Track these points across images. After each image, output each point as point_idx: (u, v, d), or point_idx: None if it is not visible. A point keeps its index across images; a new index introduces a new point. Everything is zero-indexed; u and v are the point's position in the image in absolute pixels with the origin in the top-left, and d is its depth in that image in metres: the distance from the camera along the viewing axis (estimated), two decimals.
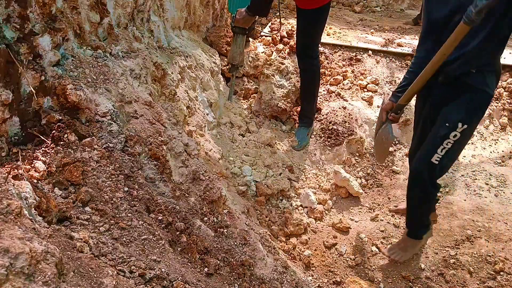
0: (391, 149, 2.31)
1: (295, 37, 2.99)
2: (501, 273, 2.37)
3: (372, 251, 2.55)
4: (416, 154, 2.13)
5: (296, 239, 2.59)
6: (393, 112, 2.16)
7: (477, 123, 1.94)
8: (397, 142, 3.43)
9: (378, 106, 3.51)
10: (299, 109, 3.38)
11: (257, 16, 2.77)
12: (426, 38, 2.00)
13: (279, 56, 3.51)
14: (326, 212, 2.84)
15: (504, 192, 3.00)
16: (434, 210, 2.71)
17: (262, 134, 3.09)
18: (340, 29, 4.38)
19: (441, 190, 3.04)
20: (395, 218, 2.81)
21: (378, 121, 2.41)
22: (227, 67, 3.13)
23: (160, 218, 1.60)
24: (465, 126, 1.86)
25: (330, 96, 3.54)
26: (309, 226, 2.69)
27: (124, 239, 1.37)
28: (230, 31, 3.52)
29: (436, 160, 1.95)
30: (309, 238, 2.61)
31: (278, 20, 4.13)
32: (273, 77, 3.34)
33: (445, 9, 1.80)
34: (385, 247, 2.56)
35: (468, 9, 1.60)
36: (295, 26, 3.89)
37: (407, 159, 3.33)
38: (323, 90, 3.55)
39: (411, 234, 2.44)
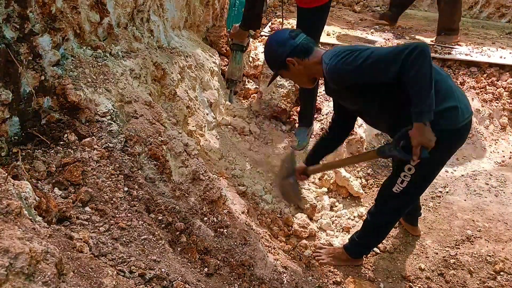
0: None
1: None
2: (501, 273, 2.37)
3: (372, 251, 2.55)
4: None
5: (296, 239, 2.59)
6: (303, 175, 2.26)
7: (439, 157, 1.85)
8: None
9: None
10: (299, 109, 3.38)
11: (250, 30, 2.92)
12: (339, 118, 2.18)
13: None
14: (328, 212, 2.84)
15: (504, 192, 3.00)
16: (417, 225, 2.66)
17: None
18: (340, 29, 4.38)
19: (441, 190, 3.05)
20: None
21: (283, 169, 2.42)
22: (226, 82, 3.25)
23: (160, 218, 1.60)
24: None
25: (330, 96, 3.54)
26: (314, 231, 2.66)
27: (124, 239, 1.37)
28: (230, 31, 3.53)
29: (396, 190, 1.96)
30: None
31: (278, 20, 4.13)
32: None
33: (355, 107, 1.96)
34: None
35: (386, 146, 1.77)
36: (295, 26, 3.90)
37: None
38: (323, 90, 3.55)
39: (350, 250, 2.37)
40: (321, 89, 3.51)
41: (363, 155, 2.50)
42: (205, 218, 1.83)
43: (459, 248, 2.55)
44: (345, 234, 2.69)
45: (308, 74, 1.94)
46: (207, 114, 2.94)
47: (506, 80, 3.62)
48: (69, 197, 1.39)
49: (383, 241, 2.63)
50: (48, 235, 1.07)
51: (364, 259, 2.46)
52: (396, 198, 2.00)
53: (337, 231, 2.71)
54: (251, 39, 3.49)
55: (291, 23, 4.06)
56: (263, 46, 3.65)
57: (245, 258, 1.80)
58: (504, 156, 3.40)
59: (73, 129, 1.56)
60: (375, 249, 2.56)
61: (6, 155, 1.38)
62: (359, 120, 3.34)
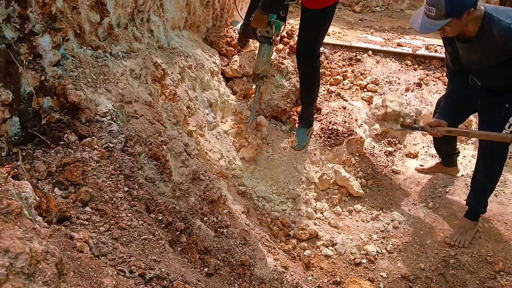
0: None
1: (297, 37, 2.95)
2: (501, 273, 2.37)
3: (372, 251, 2.55)
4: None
5: (297, 241, 2.59)
6: (439, 132, 2.40)
7: None
8: (397, 142, 3.43)
9: None
10: (299, 109, 3.37)
11: (271, 17, 2.65)
12: (458, 74, 2.39)
13: (279, 56, 3.51)
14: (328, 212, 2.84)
15: (504, 192, 3.00)
16: (456, 165, 3.09)
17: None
18: (340, 29, 4.38)
19: (441, 190, 3.05)
20: (394, 220, 2.81)
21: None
22: (251, 77, 3.03)
23: (160, 218, 1.60)
24: None
25: (330, 96, 3.54)
26: (316, 233, 2.66)
27: (124, 239, 1.37)
28: (230, 31, 3.52)
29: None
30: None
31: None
32: (273, 77, 3.34)
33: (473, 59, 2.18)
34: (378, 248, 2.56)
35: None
36: (295, 26, 3.89)
37: (408, 159, 3.34)
38: (323, 90, 3.55)
39: (469, 215, 2.62)
40: (321, 89, 3.52)
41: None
42: (205, 218, 1.83)
43: (459, 248, 2.55)
44: (344, 233, 2.70)
45: (464, 27, 2.02)
46: (207, 114, 2.94)
47: None
48: (69, 197, 1.39)
49: (383, 241, 2.64)
50: (48, 235, 1.07)
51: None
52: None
53: (337, 232, 2.72)
54: (250, 40, 3.48)
55: (291, 23, 4.05)
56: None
57: (245, 258, 1.80)
58: None
59: (73, 129, 1.56)
60: (374, 248, 2.57)
61: (6, 155, 1.38)
62: (359, 121, 3.35)
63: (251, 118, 2.89)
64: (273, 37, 2.78)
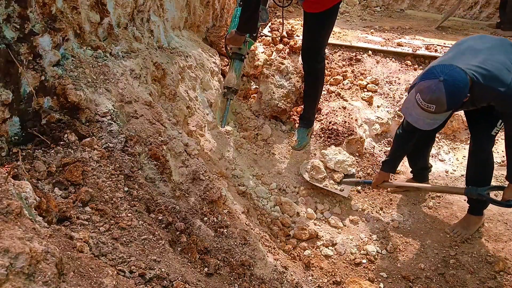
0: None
1: (301, 40, 2.96)
2: (501, 273, 2.37)
3: (372, 251, 2.55)
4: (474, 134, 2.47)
5: (297, 241, 2.59)
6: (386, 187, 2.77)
7: None
8: None
9: (378, 106, 3.51)
10: (299, 109, 3.37)
11: (247, 35, 2.84)
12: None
13: (279, 56, 3.51)
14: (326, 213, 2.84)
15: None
16: (427, 180, 3.02)
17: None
18: (340, 29, 4.38)
19: None
20: (394, 220, 2.81)
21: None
22: (223, 90, 3.16)
23: (160, 218, 1.60)
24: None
25: (330, 96, 3.54)
26: (316, 233, 2.66)
27: (124, 239, 1.37)
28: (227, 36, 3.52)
29: (494, 132, 2.31)
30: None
31: (278, 20, 4.13)
32: (273, 77, 3.34)
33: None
34: (382, 244, 2.56)
35: (473, 190, 2.36)
36: (295, 26, 3.90)
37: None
38: (323, 90, 3.55)
39: (473, 211, 2.62)
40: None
41: (448, 188, 2.85)
42: (205, 218, 1.83)
43: (459, 248, 2.55)
44: (344, 233, 2.70)
45: None
46: (207, 114, 2.94)
47: None
48: (69, 197, 1.39)
49: (383, 241, 2.64)
50: (48, 235, 1.07)
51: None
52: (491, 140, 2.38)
53: (337, 232, 2.72)
54: (251, 46, 3.47)
55: (291, 23, 4.06)
56: (264, 46, 3.68)
57: (245, 258, 1.80)
58: (504, 156, 3.40)
59: (73, 129, 1.56)
60: (374, 248, 2.56)
61: (6, 155, 1.38)
62: (359, 121, 3.35)
63: (222, 125, 3.00)
64: (245, 54, 2.97)
